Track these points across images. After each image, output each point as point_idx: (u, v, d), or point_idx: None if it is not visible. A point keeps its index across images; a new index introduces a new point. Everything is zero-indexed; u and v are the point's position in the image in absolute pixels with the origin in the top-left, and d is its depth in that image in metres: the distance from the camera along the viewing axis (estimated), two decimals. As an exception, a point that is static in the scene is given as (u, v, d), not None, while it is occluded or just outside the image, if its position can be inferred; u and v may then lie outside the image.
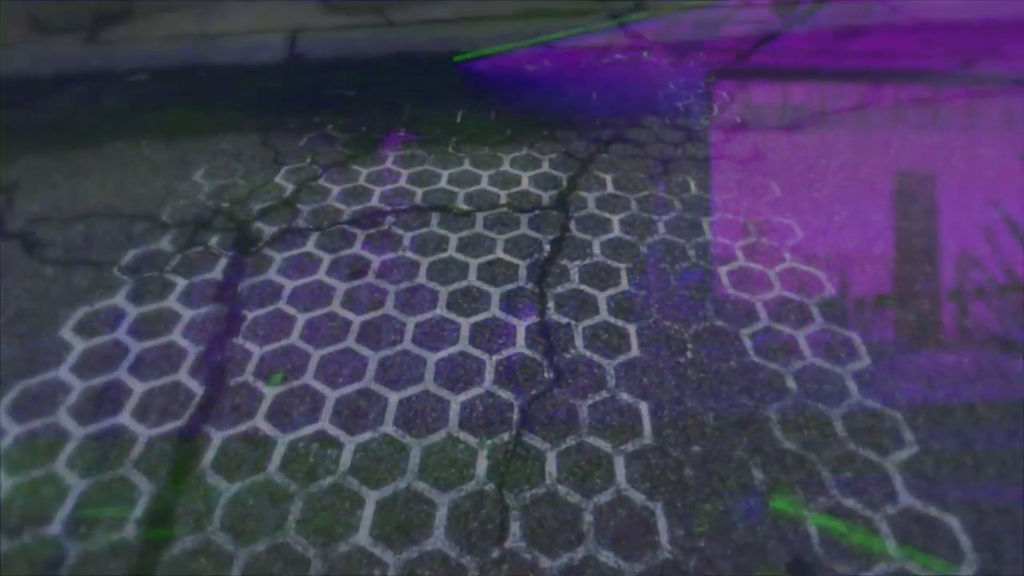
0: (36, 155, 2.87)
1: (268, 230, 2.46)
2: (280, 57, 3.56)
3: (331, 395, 1.84)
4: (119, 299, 2.15)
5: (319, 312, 2.11)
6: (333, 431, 1.74)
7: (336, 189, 2.69)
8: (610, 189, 2.72)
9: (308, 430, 1.74)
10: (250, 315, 2.10)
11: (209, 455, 1.68)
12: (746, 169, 2.85)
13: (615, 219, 2.55)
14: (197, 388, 1.85)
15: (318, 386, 1.86)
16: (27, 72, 3.31)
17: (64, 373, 1.89)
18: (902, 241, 2.45)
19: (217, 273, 2.26)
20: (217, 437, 1.72)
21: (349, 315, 2.10)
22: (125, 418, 1.76)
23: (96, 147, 2.92)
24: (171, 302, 2.14)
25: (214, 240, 2.41)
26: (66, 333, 2.02)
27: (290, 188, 2.69)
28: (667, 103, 3.35)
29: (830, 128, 3.15)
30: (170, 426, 1.75)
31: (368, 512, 1.54)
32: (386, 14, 4.01)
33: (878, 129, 3.14)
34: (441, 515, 1.54)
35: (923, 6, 4.11)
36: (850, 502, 1.58)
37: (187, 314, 2.10)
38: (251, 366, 1.92)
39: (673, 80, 3.55)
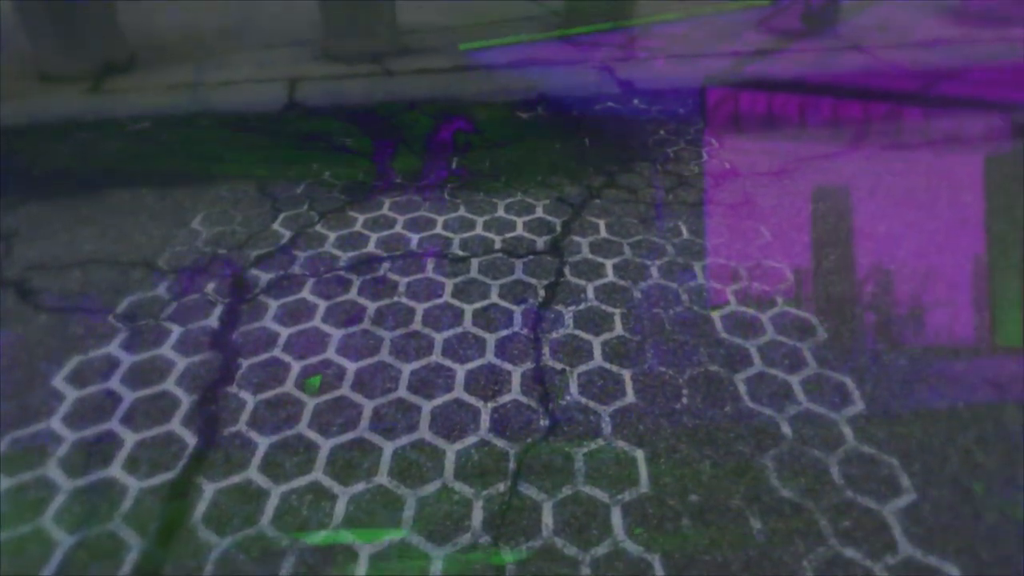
0: (36, 203, 2.90)
1: (264, 277, 2.48)
2: (279, 105, 3.64)
3: (325, 445, 1.83)
4: (113, 347, 2.15)
5: (314, 360, 2.11)
6: (327, 482, 1.72)
7: (332, 235, 2.72)
8: (603, 234, 2.76)
9: (301, 481, 1.72)
10: (245, 363, 2.10)
11: (201, 508, 1.65)
12: (736, 214, 2.90)
13: (608, 264, 2.58)
14: (190, 438, 1.84)
15: (312, 435, 1.85)
16: (31, 121, 3.37)
17: (56, 424, 1.88)
18: (892, 285, 2.49)
19: (213, 320, 2.27)
20: (209, 489, 1.70)
21: (344, 362, 2.10)
22: (116, 470, 1.74)
23: (96, 195, 2.96)
24: (166, 350, 2.14)
25: (210, 287, 2.42)
26: (59, 382, 2.01)
27: (287, 235, 2.72)
28: (658, 149, 3.43)
29: (817, 173, 3.22)
30: (161, 478, 1.72)
31: (361, 567, 1.51)
32: (384, 64, 4.13)
33: (864, 174, 3.22)
34: (436, 569, 1.51)
35: (903, 56, 4.26)
36: (850, 552, 1.56)
37: (182, 362, 2.09)
38: (245, 415, 1.91)
39: (664, 126, 3.64)
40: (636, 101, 3.84)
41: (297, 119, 3.56)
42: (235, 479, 1.73)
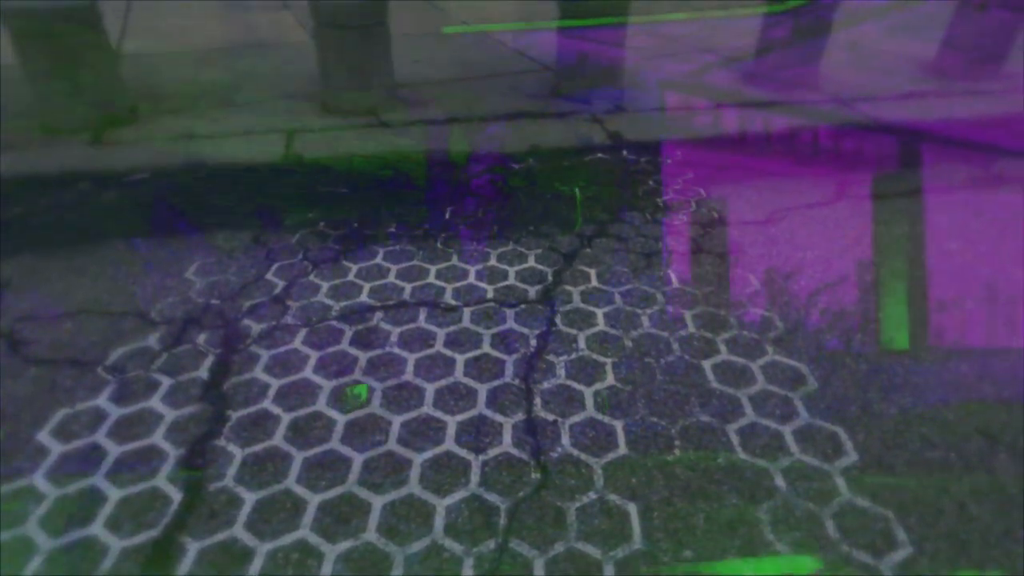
0: (31, 253, 2.92)
1: (256, 327, 2.48)
2: (277, 156, 3.72)
3: (313, 500, 1.80)
4: (101, 400, 2.13)
5: (304, 412, 2.10)
6: (314, 539, 1.69)
7: (326, 285, 2.74)
8: (594, 283, 2.79)
9: (288, 539, 1.69)
10: (234, 415, 2.08)
11: (183, 568, 1.61)
12: (725, 262, 2.94)
13: (599, 312, 2.60)
14: (175, 494, 1.80)
15: (300, 490, 1.82)
16: (30, 172, 3.42)
17: (38, 479, 1.84)
18: (881, 333, 2.51)
19: (203, 372, 2.25)
20: (193, 548, 1.66)
21: (334, 415, 2.09)
22: (97, 528, 1.70)
23: (91, 245, 2.98)
24: (154, 402, 2.12)
25: (202, 338, 2.42)
26: (44, 436, 1.99)
27: (280, 284, 2.74)
28: (647, 199, 3.50)
29: (803, 222, 3.29)
30: (144, 536, 1.68)
31: (347, 631, 1.47)
32: (380, 116, 4.24)
33: (852, 222, 3.29)
34: (424, 633, 1.47)
35: (886, 112, 4.41)
36: (847, 611, 1.53)
37: (170, 415, 2.07)
38: (232, 469, 1.88)
39: (652, 177, 3.73)
40: (625, 152, 3.94)
41: (294, 170, 3.62)
42: (220, 537, 1.69)
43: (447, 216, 3.30)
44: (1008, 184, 3.73)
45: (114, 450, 1.94)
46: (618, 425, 2.06)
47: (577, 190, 3.54)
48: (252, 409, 2.10)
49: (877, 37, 6.18)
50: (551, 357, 2.35)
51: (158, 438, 1.99)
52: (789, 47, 4.55)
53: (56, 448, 1.94)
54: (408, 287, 2.74)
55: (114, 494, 1.80)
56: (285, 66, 5.15)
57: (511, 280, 2.80)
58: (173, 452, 1.94)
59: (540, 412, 2.11)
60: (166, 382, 2.21)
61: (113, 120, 3.97)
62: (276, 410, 2.10)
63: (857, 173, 3.84)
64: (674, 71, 5.13)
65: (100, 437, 1.98)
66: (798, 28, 4.44)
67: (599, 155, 3.91)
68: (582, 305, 2.64)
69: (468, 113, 4.29)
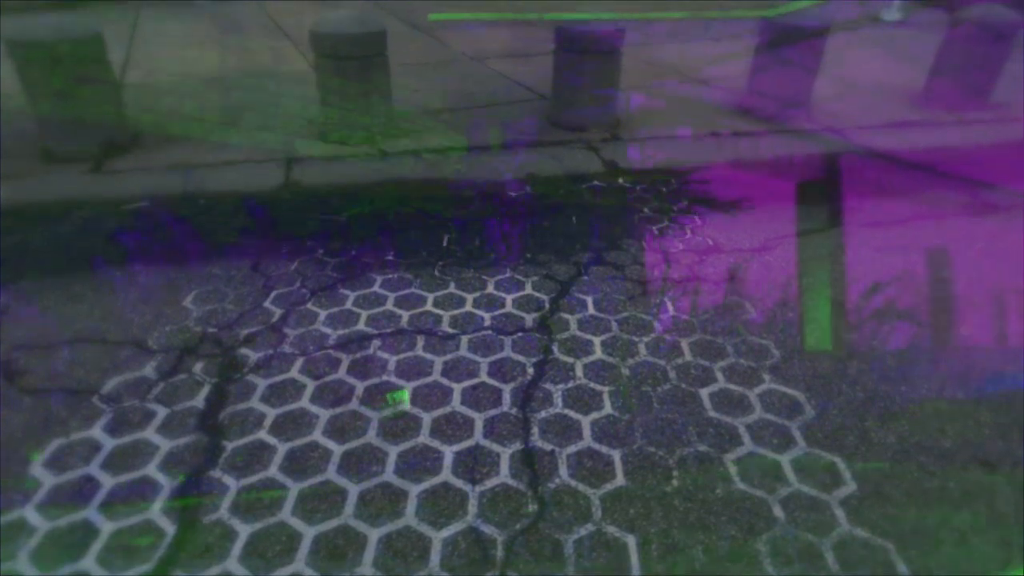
0: (29, 281, 2.92)
1: (253, 356, 2.48)
2: (276, 184, 3.75)
3: (308, 532, 1.78)
4: (96, 430, 2.11)
5: (300, 442, 2.09)
6: (309, 573, 1.66)
7: (323, 313, 2.74)
8: (591, 311, 2.80)
9: (283, 572, 1.67)
10: (230, 446, 2.07)
11: (175, 604, 1.58)
12: (720, 290, 2.96)
13: (597, 341, 2.61)
14: (169, 527, 1.78)
15: (295, 523, 1.80)
16: (31, 200, 3.44)
17: (29, 512, 1.82)
18: (876, 362, 2.52)
19: (199, 401, 2.25)
20: (185, 583, 1.63)
21: (331, 444, 2.08)
22: (89, 562, 1.68)
23: (90, 273, 2.99)
24: (149, 433, 2.11)
25: (198, 367, 2.41)
26: (36, 468, 1.97)
27: (278, 313, 2.74)
28: (643, 226, 3.53)
29: (798, 249, 3.32)
30: (137, 570, 1.66)
31: (342, 669, 1.44)
32: (378, 144, 4.29)
33: (847, 249, 3.32)
34: (420, 671, 1.44)
35: (878, 140, 4.49)
36: (849, 646, 1.51)
37: (165, 446, 2.06)
38: (227, 501, 1.87)
39: (648, 204, 3.77)
40: (621, 180, 3.99)
41: (293, 198, 3.66)
42: (214, 571, 1.67)
43: (445, 244, 3.32)
44: (999, 212, 3.78)
45: (108, 482, 1.92)
46: (616, 455, 2.06)
47: (574, 217, 3.57)
48: (248, 439, 2.09)
49: (866, 64, 6.31)
50: (548, 386, 2.35)
51: (152, 469, 1.97)
52: (781, 75, 4.64)
53: (49, 480, 1.93)
54: (406, 315, 2.75)
55: (107, 527, 1.78)
56: (285, 95, 5.22)
57: (508, 308, 2.81)
58: (167, 484, 1.92)
59: (537, 442, 2.10)
60: (162, 412, 2.20)
61: (114, 149, 4.01)
62: (272, 440, 2.09)
63: (851, 201, 3.89)
64: (669, 99, 5.22)
65: (94, 468, 1.97)
66: (789, 56, 4.54)
67: (595, 183, 3.95)
68: (579, 333, 2.65)
69: (466, 142, 4.34)
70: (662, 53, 6.76)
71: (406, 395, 2.10)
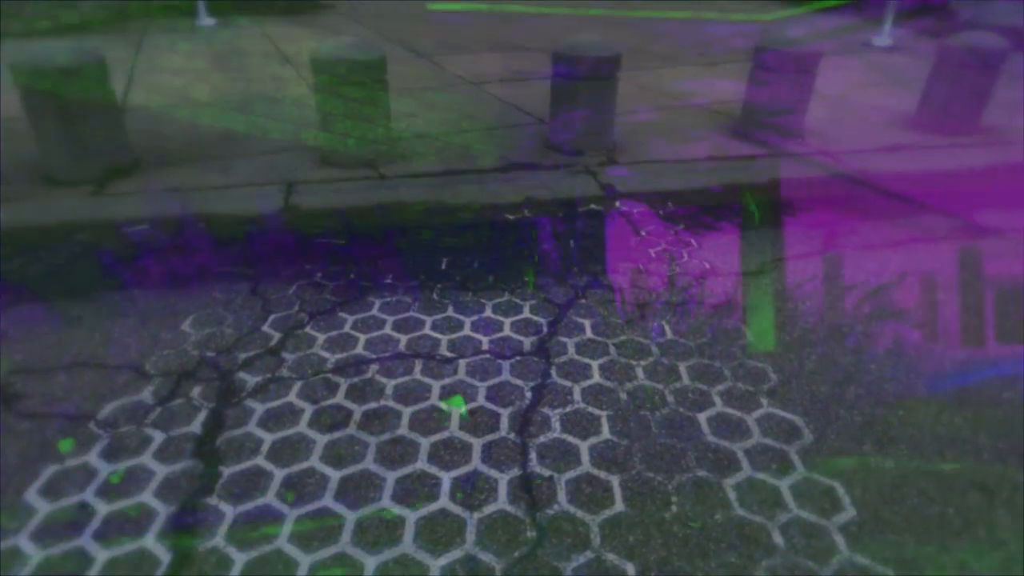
0: (27, 305, 2.93)
1: (251, 380, 2.47)
2: (276, 207, 3.77)
3: (305, 560, 1.76)
4: (92, 456, 2.10)
5: (297, 468, 2.08)
6: (305, 603, 1.65)
7: (322, 337, 2.75)
8: (589, 334, 2.81)
9: (278, 603, 1.65)
10: (226, 472, 2.06)
11: (169, 635, 1.56)
12: (717, 313, 2.98)
13: (594, 364, 2.61)
14: (164, 555, 1.77)
15: (291, 550, 1.79)
16: (31, 224, 3.46)
17: (23, 541, 1.80)
18: (873, 385, 2.53)
19: (196, 426, 2.24)
20: (180, 613, 1.61)
21: (328, 470, 2.07)
22: (83, 592, 1.66)
23: (88, 297, 3.00)
24: (146, 458, 2.10)
25: (196, 391, 2.41)
26: (31, 495, 1.95)
27: (276, 336, 2.74)
28: (640, 249, 3.56)
29: (794, 272, 3.34)
30: (130, 601, 1.64)
31: None
32: (378, 168, 4.33)
33: (842, 273, 3.34)
34: None
35: (872, 164, 4.54)
36: (851, 677, 1.49)
37: (161, 471, 2.05)
38: (223, 529, 1.85)
39: (644, 227, 3.80)
40: (618, 203, 4.02)
41: (292, 220, 3.68)
42: (208, 601, 1.65)
43: (443, 267, 3.34)
44: (992, 236, 3.81)
45: (103, 509, 1.91)
46: (614, 480, 2.05)
47: (572, 241, 3.60)
48: (245, 465, 2.08)
49: (858, 89, 6.41)
50: (546, 410, 2.35)
51: (148, 496, 1.96)
52: (775, 99, 4.71)
53: (43, 507, 1.91)
54: (404, 339, 2.75)
55: (101, 555, 1.76)
56: (285, 119, 5.28)
57: (507, 331, 2.82)
58: (163, 511, 1.91)
59: (536, 467, 2.10)
60: (158, 437, 2.19)
61: (115, 172, 4.04)
62: (269, 466, 2.08)
63: (845, 224, 3.93)
64: (665, 123, 5.29)
65: (89, 495, 1.95)
66: (783, 81, 4.61)
67: (592, 206, 3.99)
68: (577, 357, 2.66)
69: (464, 165, 4.39)
70: (658, 77, 6.87)
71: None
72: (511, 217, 3.82)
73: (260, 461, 2.10)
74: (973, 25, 9.33)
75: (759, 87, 4.74)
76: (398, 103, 5.75)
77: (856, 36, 9.34)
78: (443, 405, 2.19)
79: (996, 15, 9.53)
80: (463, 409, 2.10)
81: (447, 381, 2.49)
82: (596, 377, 2.53)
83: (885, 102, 6.06)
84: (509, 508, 1.94)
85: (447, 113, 5.52)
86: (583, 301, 3.06)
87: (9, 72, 3.65)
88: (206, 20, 9.34)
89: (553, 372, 2.56)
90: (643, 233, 3.75)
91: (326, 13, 10.86)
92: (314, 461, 2.10)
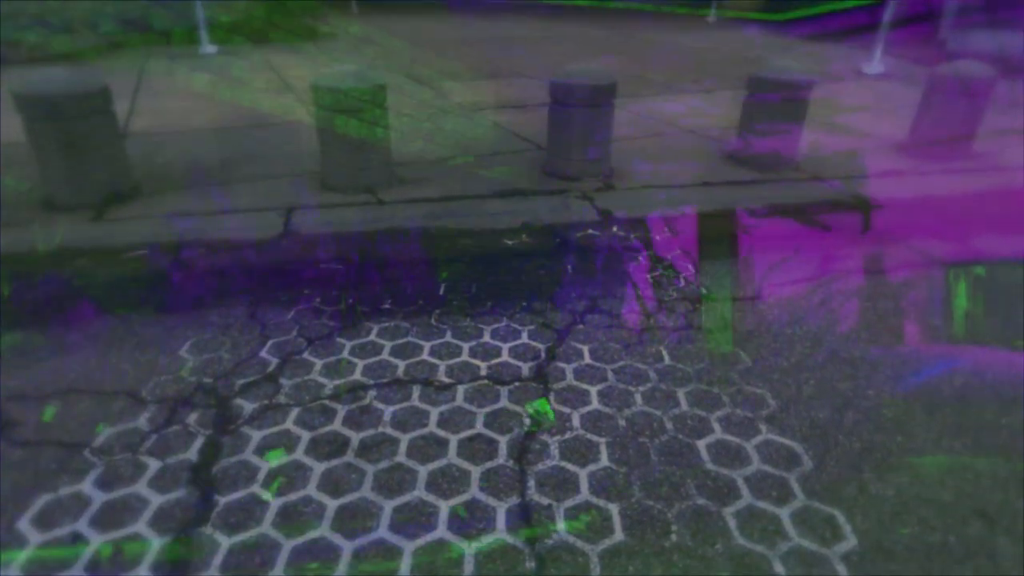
0: (24, 330, 2.92)
1: (248, 407, 2.46)
2: (275, 232, 3.80)
3: (300, 593, 1.73)
4: (86, 485, 2.08)
5: (294, 496, 2.06)
6: (300, 637, 1.62)
7: (319, 363, 2.74)
8: (587, 360, 2.81)
9: (273, 636, 1.62)
10: (222, 500, 2.04)
11: (161, 670, 1.53)
12: (715, 339, 2.98)
13: (593, 390, 2.61)
14: (157, 587, 1.74)
15: (287, 582, 1.76)
16: (30, 248, 3.47)
17: (14, 573, 1.77)
18: (872, 411, 2.53)
19: (192, 454, 2.22)
20: (172, 648, 1.58)
21: (325, 499, 2.05)
22: (74, 626, 1.63)
23: (85, 322, 2.99)
24: (140, 487, 2.08)
25: (193, 418, 2.39)
26: (23, 525, 1.93)
27: (274, 362, 2.74)
28: (637, 274, 3.58)
29: (791, 299, 3.36)
30: (122, 635, 1.61)
31: None
32: (377, 193, 4.37)
33: (837, 299, 3.36)
34: None
35: (866, 189, 4.59)
36: None
37: (156, 501, 2.03)
38: (217, 559, 1.83)
39: (641, 253, 3.83)
40: (615, 228, 4.06)
41: (291, 245, 3.69)
42: (202, 635, 1.62)
43: (441, 292, 3.35)
44: (985, 259, 3.85)
45: (96, 539, 1.88)
46: (614, 509, 2.03)
47: (570, 266, 3.62)
48: (241, 494, 2.06)
49: (850, 116, 6.51)
50: (545, 437, 2.34)
51: (142, 525, 1.93)
52: (769, 126, 4.78)
53: (35, 538, 1.89)
54: (402, 364, 2.75)
55: (93, 588, 1.73)
56: (286, 145, 5.34)
57: (505, 357, 2.82)
58: (157, 541, 1.88)
59: (534, 495, 2.08)
60: (154, 465, 2.17)
61: (115, 197, 4.07)
62: (265, 495, 2.06)
63: (841, 249, 3.96)
64: (660, 148, 5.35)
65: (82, 525, 1.93)
66: (777, 108, 4.69)
67: (590, 231, 4.02)
68: (575, 383, 2.65)
69: (463, 191, 4.43)
70: (655, 103, 6.97)
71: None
72: (509, 242, 3.84)
73: (256, 489, 2.08)
74: (962, 54, 9.53)
75: (754, 113, 4.82)
76: (398, 129, 5.82)
77: (847, 63, 9.52)
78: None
79: (984, 43, 9.74)
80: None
81: (445, 408, 2.48)
82: (595, 403, 2.53)
83: (877, 128, 6.16)
84: (508, 538, 1.92)
85: (446, 139, 5.59)
86: (581, 326, 3.06)
87: (12, 99, 3.70)
88: (208, 48, 9.49)
89: (552, 398, 2.55)
90: (640, 258, 3.77)
91: (327, 41, 11.04)
92: (311, 489, 2.08)
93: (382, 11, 14.93)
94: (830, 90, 7.85)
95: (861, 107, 7.01)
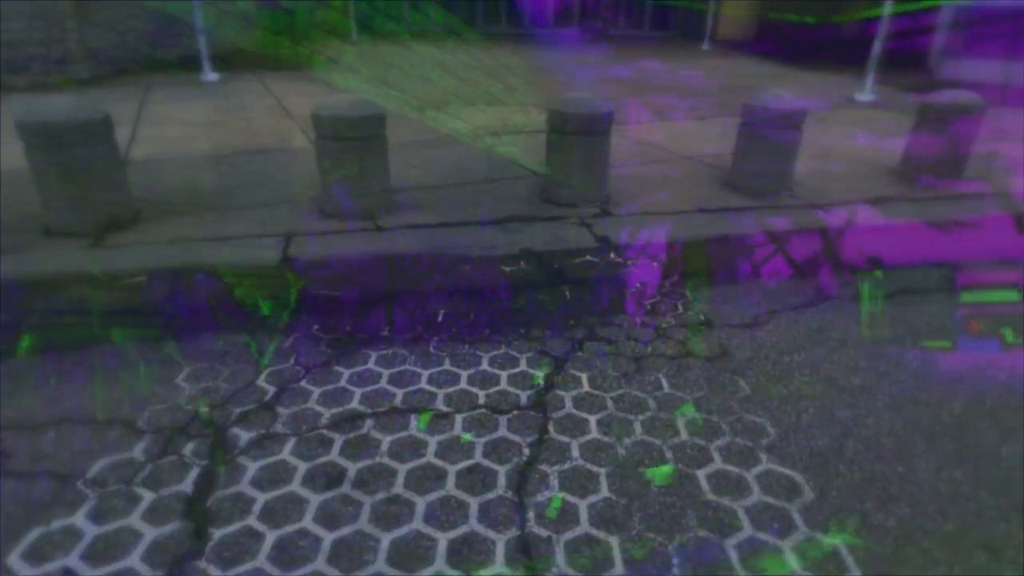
0: (20, 359, 2.91)
1: (245, 436, 2.44)
2: (274, 259, 3.80)
3: (295, 630, 1.70)
4: (78, 517, 2.05)
5: (290, 529, 2.03)
6: (294, 676, 1.58)
7: (317, 391, 2.73)
8: (586, 387, 2.80)
9: (267, 676, 1.58)
10: (217, 533, 2.01)
11: None
12: (713, 366, 2.98)
13: (592, 419, 2.59)
14: (149, 625, 1.71)
15: (282, 619, 1.73)
16: (29, 275, 3.47)
17: (3, 609, 1.74)
18: (872, 440, 2.51)
19: (187, 485, 2.19)
20: None
21: (321, 532, 2.02)
22: (62, 666, 1.59)
23: (82, 350, 2.98)
24: (134, 520, 2.05)
25: (188, 448, 2.37)
26: (14, 559, 1.89)
27: (271, 391, 2.72)
28: (635, 301, 3.59)
29: (789, 324, 3.37)
30: (112, 675, 1.57)
31: None
32: (376, 220, 4.39)
33: (834, 324, 3.37)
34: None
35: (860, 216, 4.64)
36: None
37: (150, 534, 2.00)
38: (211, 595, 1.80)
39: (640, 279, 3.84)
40: (612, 255, 4.07)
41: (290, 273, 3.70)
42: (194, 675, 1.58)
43: (439, 319, 3.35)
44: (977, 287, 3.87)
45: (87, 573, 1.85)
46: (614, 541, 2.01)
47: (568, 292, 3.63)
48: (236, 526, 2.03)
49: (844, 143, 6.60)
50: (544, 467, 2.32)
51: (135, 560, 1.90)
52: (764, 152, 4.84)
53: (26, 572, 1.85)
54: (400, 393, 2.74)
55: (83, 625, 1.70)
56: (285, 171, 5.38)
57: (503, 385, 2.80)
58: (150, 575, 1.85)
59: (534, 528, 2.05)
60: (148, 497, 2.14)
61: (115, 224, 4.08)
62: (261, 527, 2.03)
63: (837, 275, 3.98)
64: (656, 176, 5.41)
65: (74, 560, 1.90)
66: (771, 135, 4.75)
67: (587, 258, 4.04)
68: (574, 411, 2.64)
69: (461, 217, 4.45)
70: (650, 130, 7.06)
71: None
72: (507, 269, 3.85)
73: (252, 522, 2.05)
74: (951, 82, 9.71)
75: (748, 142, 4.88)
76: (397, 156, 5.88)
77: (839, 92, 9.68)
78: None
79: (972, 72, 9.94)
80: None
81: (443, 437, 2.46)
82: (594, 432, 2.51)
83: (870, 155, 6.24)
84: (506, 571, 1.89)
85: (444, 166, 5.64)
86: (580, 353, 3.06)
87: (15, 127, 3.73)
88: (210, 75, 9.61)
89: (551, 427, 2.54)
90: (638, 284, 3.78)
91: (328, 69, 11.20)
92: (307, 522, 2.05)
93: (382, 40, 15.19)
94: (823, 117, 7.97)
95: (853, 134, 7.11)
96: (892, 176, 5.56)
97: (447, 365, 2.95)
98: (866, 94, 9.04)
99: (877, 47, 9.02)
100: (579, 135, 4.46)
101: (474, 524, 2.06)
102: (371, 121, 4.17)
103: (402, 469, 2.29)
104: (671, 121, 7.64)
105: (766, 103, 4.71)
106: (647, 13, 17.64)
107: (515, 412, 2.62)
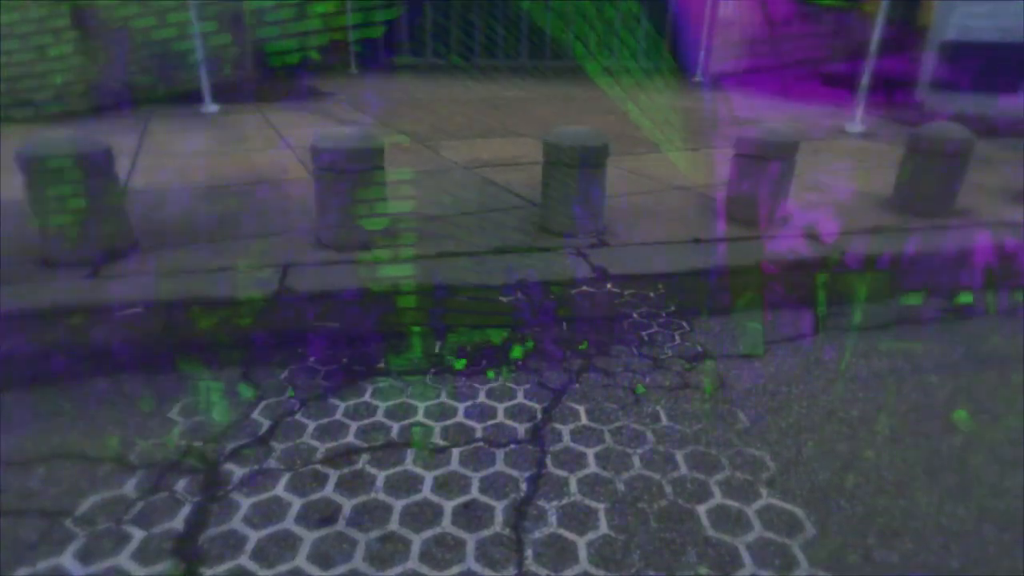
0: (11, 392, 2.88)
1: (238, 472, 2.41)
2: (271, 290, 3.80)
3: (287, 676, 1.65)
4: (66, 557, 2.00)
5: (282, 568, 1.99)
6: None
7: (312, 425, 2.70)
8: (584, 421, 2.78)
9: None
10: (208, 573, 1.96)
11: None
12: (712, 398, 2.97)
13: (590, 453, 2.57)
14: (135, 671, 1.66)
15: (273, 664, 1.68)
16: (24, 306, 3.45)
17: (-15, 655, 1.69)
18: (872, 473, 2.49)
19: (178, 523, 2.15)
20: None
21: (315, 571, 1.98)
22: None
23: (74, 383, 2.95)
24: (123, 559, 2.01)
25: (180, 484, 2.33)
26: (-1, 602, 1.85)
27: (266, 425, 2.69)
28: (633, 332, 3.58)
29: (786, 355, 3.36)
30: None
31: None
32: (373, 251, 4.40)
33: (833, 355, 3.37)
34: None
35: (855, 246, 4.68)
36: None
37: (139, 574, 1.95)
38: (201, 639, 1.75)
39: (636, 310, 3.84)
40: (609, 285, 4.09)
41: (286, 303, 3.69)
42: None
43: (436, 351, 3.34)
44: (974, 318, 3.89)
45: (74, 617, 1.80)
46: (613, 580, 1.97)
47: (564, 323, 3.63)
48: (228, 565, 1.99)
49: (836, 174, 6.69)
50: (542, 503, 2.29)
51: (123, 602, 1.85)
52: (758, 183, 4.89)
53: (10, 616, 1.80)
54: (396, 426, 2.71)
55: (68, 672, 1.65)
56: (283, 202, 5.41)
57: (500, 418, 2.78)
58: (138, 619, 1.80)
59: (532, 566, 2.02)
60: (138, 535, 2.10)
61: (113, 255, 4.08)
62: (253, 566, 1.99)
63: (833, 306, 4.00)
64: (651, 206, 5.46)
65: (60, 602, 1.85)
66: (765, 165, 4.81)
67: (584, 288, 4.04)
68: (572, 445, 2.61)
69: (458, 248, 4.47)
70: (645, 161, 7.15)
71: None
72: (504, 299, 3.86)
73: (244, 561, 2.01)
74: (940, 114, 9.89)
75: (742, 171, 4.94)
76: (394, 187, 5.93)
77: (831, 123, 9.85)
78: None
79: (960, 104, 10.13)
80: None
81: (440, 472, 2.43)
82: (592, 466, 2.48)
83: (862, 186, 6.32)
84: (504, 612, 1.85)
85: (442, 196, 5.69)
86: (577, 386, 3.05)
87: (15, 159, 3.76)
88: (211, 107, 9.73)
89: (548, 461, 2.51)
90: (635, 315, 3.79)
91: (327, 99, 11.36)
92: (300, 561, 2.01)
93: (380, 73, 15.46)
94: (814, 148, 8.09)
95: (845, 164, 7.22)
96: (886, 206, 5.62)
97: (443, 398, 2.92)
98: (856, 125, 9.20)
99: (866, 80, 9.20)
100: (575, 166, 4.51)
101: (471, 563, 2.02)
102: (369, 153, 4.21)
103: (397, 505, 2.26)
104: (664, 152, 7.74)
105: (758, 134, 4.78)
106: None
107: (512, 446, 2.60)
